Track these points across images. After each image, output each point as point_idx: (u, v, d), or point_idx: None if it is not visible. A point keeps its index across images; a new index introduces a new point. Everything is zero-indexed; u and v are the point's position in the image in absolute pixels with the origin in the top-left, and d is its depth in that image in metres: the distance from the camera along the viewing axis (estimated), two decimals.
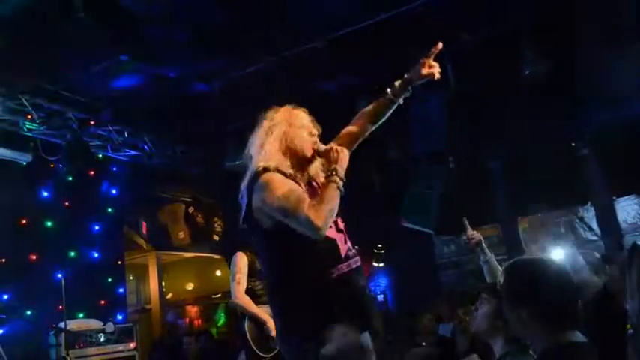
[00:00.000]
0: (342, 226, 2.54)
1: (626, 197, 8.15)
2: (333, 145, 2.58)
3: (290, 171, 2.49)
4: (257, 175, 2.43)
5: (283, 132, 2.55)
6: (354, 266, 2.46)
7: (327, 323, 2.24)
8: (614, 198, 8.07)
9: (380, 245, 9.47)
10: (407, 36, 5.24)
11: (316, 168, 2.60)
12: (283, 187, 2.36)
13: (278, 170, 2.44)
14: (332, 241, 2.45)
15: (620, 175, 7.53)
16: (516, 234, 8.76)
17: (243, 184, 2.52)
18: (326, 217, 2.29)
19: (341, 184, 2.39)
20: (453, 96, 6.22)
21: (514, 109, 7.01)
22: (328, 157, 2.50)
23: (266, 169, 2.43)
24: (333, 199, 2.35)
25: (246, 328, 4.34)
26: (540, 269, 1.96)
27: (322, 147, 2.58)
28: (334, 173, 2.41)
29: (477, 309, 2.50)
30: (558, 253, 7.80)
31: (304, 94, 6.27)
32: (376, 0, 5.17)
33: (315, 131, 2.61)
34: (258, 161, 2.50)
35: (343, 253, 2.46)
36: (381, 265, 9.71)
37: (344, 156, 2.49)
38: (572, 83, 6.60)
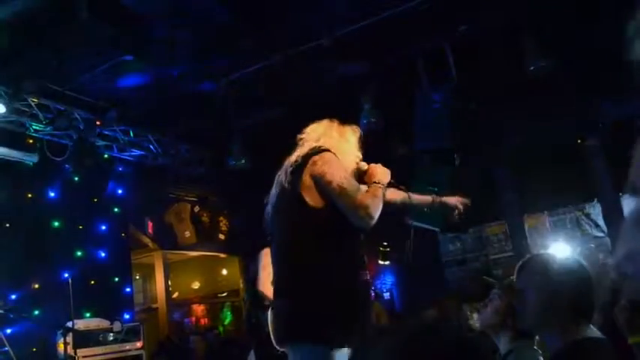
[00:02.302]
0: None
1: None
2: (378, 164, 2.64)
3: None
4: (319, 150, 2.46)
5: (336, 141, 2.62)
6: (370, 280, 2.49)
7: (341, 321, 2.26)
8: (620, 194, 8.04)
9: (385, 243, 9.46)
10: (410, 32, 5.24)
11: None
12: (345, 171, 2.42)
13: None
14: (363, 247, 2.49)
15: (627, 170, 7.49)
16: (522, 231, 8.74)
17: (299, 156, 2.48)
18: (378, 210, 2.35)
19: (385, 190, 2.47)
20: (457, 92, 6.20)
21: (520, 104, 6.98)
22: (372, 173, 2.56)
23: (329, 150, 2.47)
24: (382, 199, 2.41)
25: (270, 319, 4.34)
26: (556, 265, 1.95)
27: (363, 164, 2.65)
28: (377, 182, 2.49)
29: (486, 305, 2.51)
30: (564, 250, 7.79)
31: (309, 91, 6.30)
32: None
33: (359, 154, 2.69)
34: (319, 143, 2.55)
35: (365, 262, 2.49)
36: (387, 263, 9.70)
37: (387, 174, 2.58)
38: (578, 79, 6.58)
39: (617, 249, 1.60)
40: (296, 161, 2.45)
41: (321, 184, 2.35)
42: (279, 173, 2.53)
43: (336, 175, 2.33)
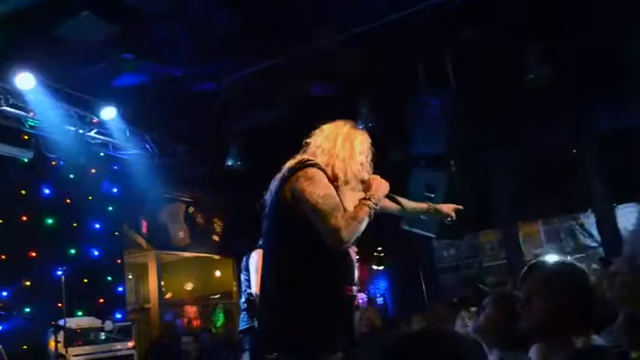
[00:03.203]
0: (355, 256, 2.54)
1: (627, 204, 8.13)
2: (377, 176, 2.60)
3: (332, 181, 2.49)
4: (305, 165, 2.43)
5: (337, 147, 2.57)
6: (356, 294, 2.48)
7: (319, 335, 2.27)
8: (614, 204, 8.06)
9: (380, 248, 9.47)
10: (412, 37, 5.25)
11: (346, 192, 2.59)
12: (326, 188, 2.37)
13: (325, 173, 2.45)
14: (352, 262, 2.47)
15: (622, 181, 7.53)
16: (516, 239, 8.76)
17: (285, 168, 2.48)
18: (353, 233, 2.31)
19: (373, 211, 2.41)
20: (454, 99, 6.22)
21: (516, 113, 7.01)
22: (369, 184, 2.53)
23: (315, 165, 2.44)
24: (364, 221, 2.36)
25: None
26: (560, 272, 1.95)
27: (365, 174, 2.61)
28: (370, 198, 2.43)
29: (477, 313, 2.50)
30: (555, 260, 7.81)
31: (308, 94, 6.31)
32: (383, 2, 5.19)
33: (364, 161, 2.63)
34: (310, 155, 2.53)
35: (355, 278, 2.48)
36: (381, 268, 9.72)
37: (384, 187, 2.53)
38: (576, 88, 6.61)
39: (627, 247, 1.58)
40: (283, 173, 2.46)
41: (300, 201, 2.35)
42: (273, 179, 2.52)
43: (313, 194, 2.31)
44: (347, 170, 2.54)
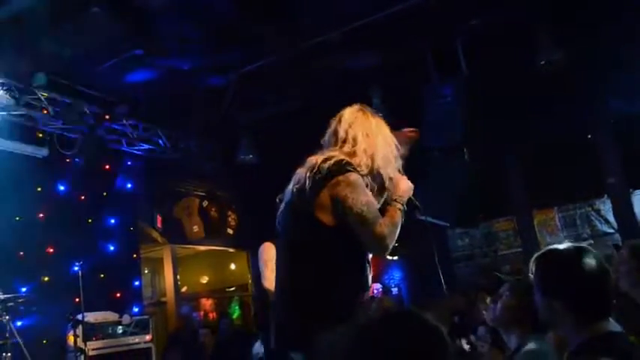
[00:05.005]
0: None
1: None
2: (404, 177, 2.57)
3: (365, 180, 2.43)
4: (345, 169, 2.34)
5: (385, 153, 2.51)
6: (368, 298, 2.52)
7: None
8: (631, 190, 7.98)
9: None
10: (420, 26, 5.21)
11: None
12: (367, 195, 2.33)
13: (361, 175, 2.38)
14: (369, 267, 2.45)
15: (638, 166, 7.45)
16: (532, 226, 8.70)
17: (321, 166, 2.35)
18: (394, 238, 2.33)
19: (404, 209, 2.43)
20: (467, 88, 6.17)
21: (530, 100, 6.94)
22: (396, 184, 2.51)
23: (354, 169, 2.36)
24: (399, 225, 2.38)
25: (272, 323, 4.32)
26: (574, 259, 1.92)
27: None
28: (398, 200, 2.44)
29: (495, 301, 2.50)
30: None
31: (318, 86, 6.29)
32: None
33: (398, 155, 2.58)
34: (346, 153, 2.43)
35: (369, 282, 2.47)
36: (395, 258, 9.70)
37: (410, 189, 2.53)
38: (590, 73, 6.53)
39: None
40: (319, 171, 2.33)
41: (341, 209, 2.29)
42: (299, 172, 2.42)
43: (357, 202, 2.27)
44: (385, 175, 2.50)
